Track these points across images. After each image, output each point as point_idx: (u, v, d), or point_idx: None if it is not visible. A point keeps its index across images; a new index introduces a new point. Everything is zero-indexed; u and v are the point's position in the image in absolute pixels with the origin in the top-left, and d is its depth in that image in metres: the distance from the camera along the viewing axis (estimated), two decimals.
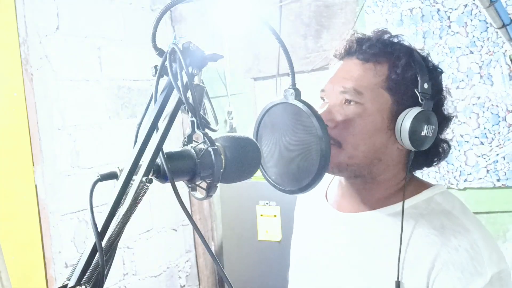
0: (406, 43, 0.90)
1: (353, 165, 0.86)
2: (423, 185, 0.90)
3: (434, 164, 0.92)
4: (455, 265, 0.77)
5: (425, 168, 0.93)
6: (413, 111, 0.82)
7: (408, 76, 0.85)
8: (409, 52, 0.87)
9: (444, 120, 0.90)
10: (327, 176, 1.04)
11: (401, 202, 0.85)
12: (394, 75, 0.85)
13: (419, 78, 0.84)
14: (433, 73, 0.89)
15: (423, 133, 0.83)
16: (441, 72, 0.91)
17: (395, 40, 0.89)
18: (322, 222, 0.99)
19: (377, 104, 0.84)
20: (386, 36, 0.89)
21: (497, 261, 0.78)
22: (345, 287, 0.88)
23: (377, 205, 0.89)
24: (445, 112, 0.91)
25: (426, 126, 0.83)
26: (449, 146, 0.92)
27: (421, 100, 0.84)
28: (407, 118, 0.82)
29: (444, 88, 0.91)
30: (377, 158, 0.86)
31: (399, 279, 0.80)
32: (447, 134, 2.11)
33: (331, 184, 1.02)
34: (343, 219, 0.93)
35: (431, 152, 0.90)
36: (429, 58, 0.90)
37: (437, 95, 0.88)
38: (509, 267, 0.80)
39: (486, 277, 0.76)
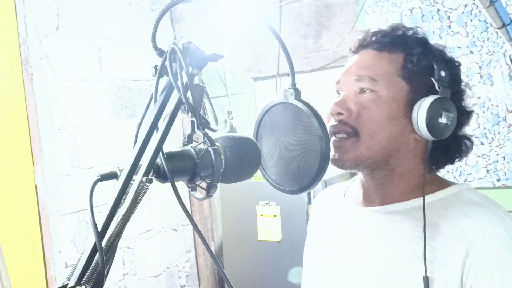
0: (422, 34, 0.89)
1: (371, 157, 0.84)
2: (449, 183, 0.89)
3: (457, 160, 0.90)
4: (492, 253, 0.74)
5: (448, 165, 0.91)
6: (430, 98, 0.81)
7: (424, 64, 0.84)
8: (424, 41, 0.87)
9: (463, 114, 0.88)
10: (344, 182, 1.03)
11: (427, 196, 0.83)
12: (409, 64, 0.84)
13: (435, 66, 0.83)
14: (450, 63, 0.87)
15: (441, 120, 0.80)
16: (459, 64, 0.89)
17: (411, 31, 0.88)
18: (344, 220, 0.97)
19: (392, 91, 0.83)
20: (401, 29, 0.89)
21: None
22: (370, 283, 0.86)
23: (400, 198, 0.87)
24: (465, 106, 0.89)
25: (443, 113, 0.80)
26: (472, 142, 0.90)
27: (438, 87, 0.82)
28: (423, 105, 0.81)
29: (463, 82, 0.89)
30: (395, 149, 0.85)
31: (428, 274, 0.77)
32: None
33: (350, 186, 1.00)
34: (366, 214, 0.91)
35: (451, 147, 0.88)
36: (446, 51, 0.89)
37: (455, 85, 0.86)
38: None
39: None
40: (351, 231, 0.93)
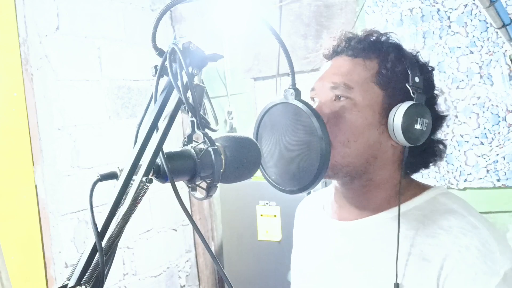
0: (395, 40, 0.89)
1: (347, 165, 0.83)
2: (424, 187, 0.88)
3: (431, 164, 0.90)
4: (468, 264, 0.74)
5: (422, 170, 0.91)
6: (405, 105, 0.80)
7: (398, 70, 0.84)
8: (398, 47, 0.87)
9: (437, 119, 0.88)
10: (324, 190, 1.03)
11: (403, 204, 0.83)
12: (384, 70, 0.84)
13: (409, 72, 0.83)
14: (424, 69, 0.88)
15: (416, 127, 0.80)
16: (432, 69, 0.89)
17: (385, 37, 0.88)
18: (322, 234, 0.96)
19: (367, 98, 0.83)
20: (375, 35, 0.88)
21: (509, 257, 0.76)
22: None
23: (377, 209, 0.87)
24: (438, 111, 0.89)
25: (419, 119, 0.80)
26: (445, 147, 0.90)
27: (413, 93, 0.82)
28: (399, 112, 0.80)
29: (436, 86, 0.89)
30: (372, 156, 0.84)
31: (398, 281, 0.78)
32: (447, 134, 2.12)
33: (328, 198, 0.99)
34: (344, 228, 0.90)
35: (426, 152, 0.87)
36: (419, 56, 0.89)
37: (429, 91, 0.86)
38: None
39: (499, 275, 0.74)
40: (331, 246, 0.92)
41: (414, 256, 0.79)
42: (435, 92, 0.89)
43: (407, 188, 0.87)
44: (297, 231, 1.09)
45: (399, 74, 0.83)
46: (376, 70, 0.84)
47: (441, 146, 0.89)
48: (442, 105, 0.89)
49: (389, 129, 0.82)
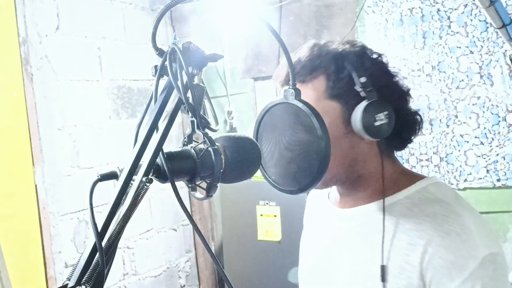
0: (335, 46, 0.91)
1: (333, 176, 0.89)
2: (416, 177, 0.92)
3: (413, 138, 0.94)
4: (448, 248, 0.79)
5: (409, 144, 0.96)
6: (361, 107, 0.85)
7: (343, 77, 0.87)
8: (337, 56, 0.89)
9: (401, 97, 0.92)
10: None
11: (396, 194, 0.89)
12: (331, 83, 0.88)
13: (354, 76, 0.86)
14: (369, 62, 0.90)
15: (377, 123, 0.85)
16: (379, 55, 0.92)
17: (324, 49, 0.91)
18: (325, 221, 1.02)
19: (327, 116, 0.85)
20: (315, 49, 0.91)
21: (489, 243, 0.80)
22: (340, 278, 0.92)
23: (371, 199, 0.92)
24: (402, 87, 0.92)
25: (377, 115, 0.85)
26: (420, 117, 0.94)
27: (364, 94, 0.85)
28: (357, 117, 0.85)
29: (391, 67, 0.92)
30: (352, 160, 0.90)
31: (384, 263, 0.83)
32: (447, 134, 2.11)
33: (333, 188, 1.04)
34: (341, 215, 0.97)
35: (403, 129, 0.91)
36: (365, 47, 0.92)
37: (382, 80, 0.89)
38: (503, 251, 0.82)
39: (477, 259, 0.78)
40: (332, 232, 0.98)
41: (400, 241, 0.84)
42: (391, 72, 0.92)
43: (400, 179, 0.91)
44: (306, 215, 1.14)
45: (345, 81, 0.87)
46: (325, 87, 0.88)
47: (416, 117, 0.93)
48: (401, 80, 0.93)
49: (356, 133, 0.87)
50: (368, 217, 0.91)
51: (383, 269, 0.83)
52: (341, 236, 0.95)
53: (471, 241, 0.79)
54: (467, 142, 2.17)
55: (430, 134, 2.25)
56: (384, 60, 0.92)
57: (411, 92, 0.95)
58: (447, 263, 0.78)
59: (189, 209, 3.06)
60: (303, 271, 1.06)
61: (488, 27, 2.07)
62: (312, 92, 0.89)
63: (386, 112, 0.86)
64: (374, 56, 0.92)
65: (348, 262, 0.91)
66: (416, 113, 0.94)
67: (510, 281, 0.82)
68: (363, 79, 0.86)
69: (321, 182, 0.84)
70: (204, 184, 0.62)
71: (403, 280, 0.82)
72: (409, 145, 0.97)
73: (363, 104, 0.85)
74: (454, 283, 0.78)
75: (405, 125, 0.92)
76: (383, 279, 0.83)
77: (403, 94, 0.93)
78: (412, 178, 0.92)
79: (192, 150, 0.61)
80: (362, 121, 0.84)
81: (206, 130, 0.62)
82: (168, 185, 0.59)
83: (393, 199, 0.89)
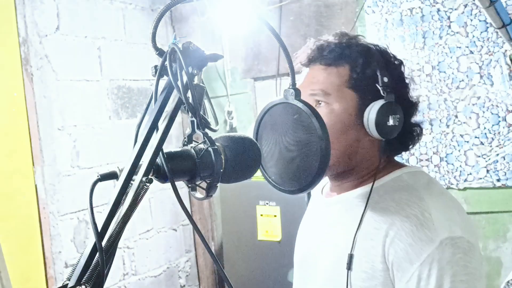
0: (364, 42, 0.96)
1: (333, 164, 0.90)
2: (397, 166, 0.96)
3: (410, 147, 0.98)
4: (407, 231, 0.81)
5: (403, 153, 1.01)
6: (377, 104, 0.89)
7: (368, 73, 0.91)
8: (367, 50, 0.93)
9: (411, 107, 0.96)
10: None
11: (376, 182, 0.92)
12: (355, 74, 0.91)
13: (378, 74, 0.90)
14: (392, 65, 0.95)
15: (389, 123, 0.89)
16: (400, 62, 0.97)
17: (354, 41, 0.95)
18: (315, 210, 1.07)
19: (343, 103, 0.91)
20: (345, 39, 0.95)
21: (449, 228, 0.81)
22: (321, 263, 0.95)
23: (353, 187, 0.95)
24: (411, 98, 0.97)
25: (390, 116, 0.89)
26: (421, 129, 0.98)
27: (383, 93, 0.89)
28: (372, 112, 0.89)
29: (407, 76, 0.97)
30: (353, 152, 0.93)
31: (352, 252, 0.86)
32: (447, 134, 2.13)
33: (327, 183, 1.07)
34: (326, 204, 1.01)
35: (404, 136, 0.95)
36: (389, 51, 0.96)
37: (399, 85, 0.94)
38: (470, 237, 0.82)
39: (434, 242, 0.79)
40: (317, 221, 1.04)
41: (368, 226, 0.87)
42: (406, 81, 0.96)
43: (383, 168, 0.95)
44: (308, 207, 1.18)
45: (369, 76, 0.91)
46: (348, 76, 0.92)
47: (417, 129, 0.98)
48: (413, 92, 0.98)
49: (365, 128, 0.90)
50: (345, 205, 0.94)
51: (351, 257, 0.86)
52: (326, 222, 0.99)
53: (429, 224, 0.81)
54: (467, 142, 2.17)
55: (430, 134, 2.25)
56: (403, 69, 0.97)
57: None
58: (406, 246, 0.81)
59: (189, 209, 3.06)
60: (296, 263, 1.10)
61: (488, 27, 2.07)
62: (336, 77, 0.92)
63: (398, 116, 0.90)
64: (397, 62, 0.96)
65: (326, 250, 0.95)
66: (418, 124, 0.98)
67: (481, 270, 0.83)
68: (385, 79, 0.90)
69: None
70: (204, 184, 0.63)
71: (367, 264, 0.84)
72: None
73: (381, 101, 0.89)
74: (413, 266, 0.80)
75: (406, 134, 0.95)
76: (349, 267, 0.86)
77: (412, 105, 0.97)
78: (392, 167, 0.96)
79: (192, 150, 0.61)
80: (376, 118, 0.88)
81: (206, 130, 0.62)
82: (168, 185, 0.59)
83: (369, 188, 0.92)
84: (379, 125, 0.88)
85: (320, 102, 0.91)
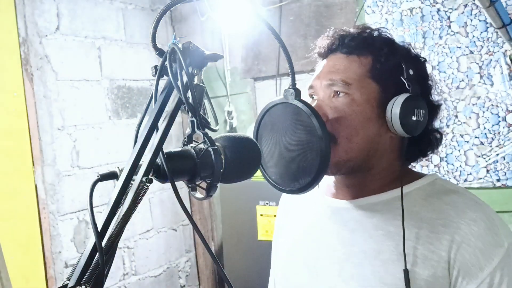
0: (388, 34, 0.90)
1: (350, 159, 0.84)
2: (421, 174, 0.91)
3: (429, 153, 0.93)
4: (475, 236, 0.77)
5: (420, 158, 0.94)
6: (402, 97, 0.82)
7: (392, 64, 0.85)
8: (391, 42, 0.89)
9: (433, 109, 0.90)
10: None
11: (404, 186, 0.84)
12: (378, 64, 0.85)
13: (403, 65, 0.84)
14: (417, 61, 0.90)
15: (413, 118, 0.82)
16: (424, 60, 0.92)
17: (376, 33, 0.90)
18: (317, 211, 0.96)
19: (365, 93, 0.84)
20: (367, 31, 0.90)
21: (509, 233, 0.79)
22: (350, 276, 0.85)
23: (377, 191, 0.88)
24: (433, 100, 0.91)
25: (416, 110, 0.83)
26: (441, 135, 0.93)
27: (408, 86, 0.83)
28: (396, 105, 0.82)
29: (429, 77, 0.91)
30: (373, 149, 0.86)
31: (409, 266, 0.78)
32: (447, 134, 2.13)
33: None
34: (341, 206, 0.91)
35: (423, 141, 0.90)
36: (411, 49, 0.91)
37: (423, 82, 0.88)
38: None
39: (504, 246, 0.77)
40: (326, 224, 0.92)
41: (421, 230, 0.80)
42: (429, 82, 0.91)
43: (406, 175, 0.88)
44: (284, 212, 1.08)
45: (393, 68, 0.85)
46: (371, 66, 0.86)
47: (437, 135, 0.92)
48: (435, 95, 0.92)
49: (388, 122, 0.84)
50: (380, 208, 0.86)
51: (407, 273, 0.77)
52: (346, 226, 0.88)
53: (496, 229, 0.78)
54: (467, 142, 2.17)
55: None
56: (426, 68, 0.92)
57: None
58: (476, 250, 0.76)
59: (189, 209, 3.06)
60: (289, 268, 1.00)
61: (488, 27, 2.07)
62: (358, 67, 0.86)
63: (423, 111, 0.84)
64: (422, 59, 0.91)
65: (353, 255, 0.85)
66: (438, 130, 0.92)
67: None
68: (411, 71, 0.84)
69: (334, 165, 0.83)
70: (204, 184, 0.62)
71: (427, 270, 0.77)
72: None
73: (406, 95, 0.82)
74: (483, 272, 0.76)
75: (426, 139, 0.90)
76: (408, 285, 0.77)
77: (435, 107, 0.91)
78: (416, 174, 0.90)
79: (192, 150, 0.61)
80: (400, 111, 0.81)
81: (206, 130, 0.62)
82: (168, 185, 0.59)
83: (397, 192, 0.84)
84: (403, 119, 0.81)
85: (339, 93, 0.85)
